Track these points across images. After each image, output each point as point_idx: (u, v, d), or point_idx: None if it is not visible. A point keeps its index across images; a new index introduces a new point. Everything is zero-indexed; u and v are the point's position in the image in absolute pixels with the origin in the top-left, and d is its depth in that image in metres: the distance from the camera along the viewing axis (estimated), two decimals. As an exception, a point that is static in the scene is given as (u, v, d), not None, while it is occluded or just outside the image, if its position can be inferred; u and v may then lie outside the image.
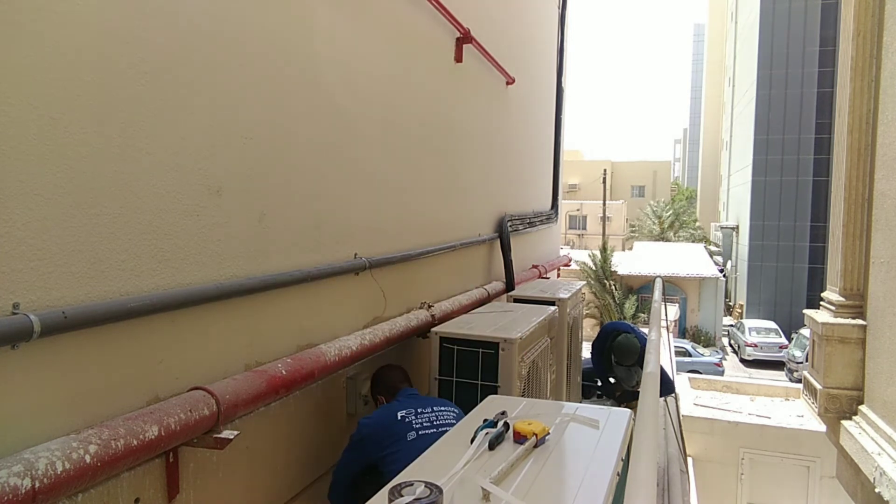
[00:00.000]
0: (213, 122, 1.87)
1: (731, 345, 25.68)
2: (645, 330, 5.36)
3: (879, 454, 3.15)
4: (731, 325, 27.23)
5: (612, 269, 23.27)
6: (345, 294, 2.69)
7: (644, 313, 19.56)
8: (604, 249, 23.61)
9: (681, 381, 8.64)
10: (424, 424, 2.25)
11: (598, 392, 5.68)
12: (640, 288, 23.08)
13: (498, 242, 4.95)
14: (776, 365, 22.16)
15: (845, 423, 3.65)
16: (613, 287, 22.90)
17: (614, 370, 5.35)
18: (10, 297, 1.29)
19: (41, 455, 1.25)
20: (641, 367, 5.22)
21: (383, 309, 3.02)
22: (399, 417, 2.24)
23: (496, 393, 2.59)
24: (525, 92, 5.78)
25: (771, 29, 30.15)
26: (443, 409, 2.36)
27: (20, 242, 1.31)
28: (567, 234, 38.92)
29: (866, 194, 3.72)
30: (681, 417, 6.47)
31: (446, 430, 2.19)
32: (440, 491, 1.20)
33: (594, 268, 22.84)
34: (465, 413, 2.24)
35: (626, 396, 5.25)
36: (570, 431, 1.69)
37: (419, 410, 2.29)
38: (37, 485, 1.21)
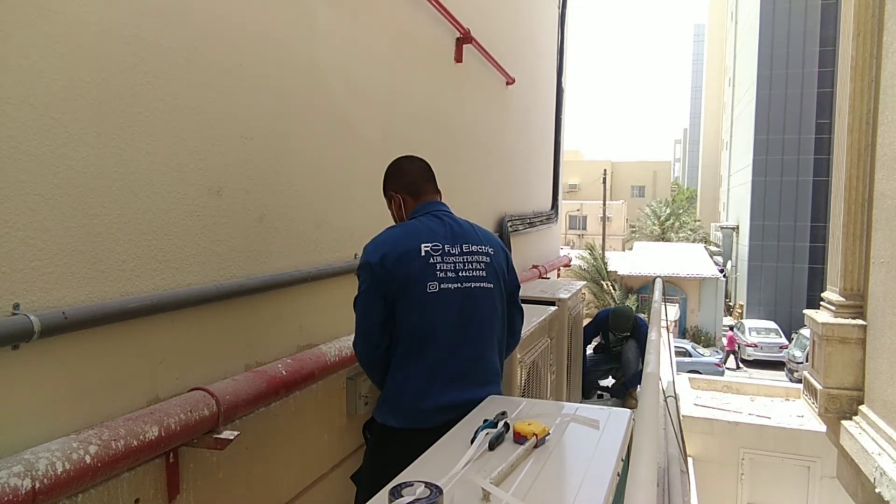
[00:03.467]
0: (213, 122, 1.87)
1: (731, 345, 25.68)
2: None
3: (880, 454, 3.15)
4: (732, 326, 27.24)
5: (610, 269, 23.24)
6: (345, 294, 2.67)
7: (644, 313, 19.54)
8: (591, 248, 23.55)
9: (681, 381, 8.64)
10: (449, 274, 1.92)
11: (599, 393, 5.70)
12: (640, 288, 23.07)
13: (498, 242, 4.95)
14: (776, 365, 22.17)
15: (845, 423, 3.65)
16: (612, 287, 22.89)
17: (609, 343, 5.50)
18: (10, 298, 1.29)
19: (41, 455, 1.25)
20: (635, 339, 5.46)
21: (383, 309, 3.01)
22: (423, 252, 1.90)
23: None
24: (525, 92, 5.78)
25: (771, 29, 30.16)
26: (474, 248, 2.01)
27: (20, 242, 1.31)
28: (567, 234, 38.91)
29: (866, 194, 3.72)
30: (681, 417, 6.47)
31: (471, 287, 1.95)
32: (440, 491, 1.20)
33: (587, 268, 22.81)
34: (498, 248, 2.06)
35: (632, 382, 5.39)
36: (571, 432, 1.69)
37: (447, 249, 1.95)
38: (37, 485, 1.21)
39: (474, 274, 1.99)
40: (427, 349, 1.90)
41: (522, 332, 2.85)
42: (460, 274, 1.95)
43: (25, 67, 1.31)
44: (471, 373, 1.95)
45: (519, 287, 2.21)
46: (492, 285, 2.03)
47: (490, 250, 2.06)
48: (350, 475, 2.25)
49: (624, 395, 5.57)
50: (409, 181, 2.16)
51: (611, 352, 5.70)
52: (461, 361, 1.93)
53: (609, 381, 5.86)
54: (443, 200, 2.21)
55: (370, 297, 1.92)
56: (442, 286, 1.91)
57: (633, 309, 5.71)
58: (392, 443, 1.92)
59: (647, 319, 5.36)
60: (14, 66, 1.29)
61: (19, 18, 1.30)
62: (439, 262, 1.93)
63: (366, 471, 2.06)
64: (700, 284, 24.35)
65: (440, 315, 1.91)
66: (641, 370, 5.30)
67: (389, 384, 1.96)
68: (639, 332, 5.54)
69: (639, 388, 5.01)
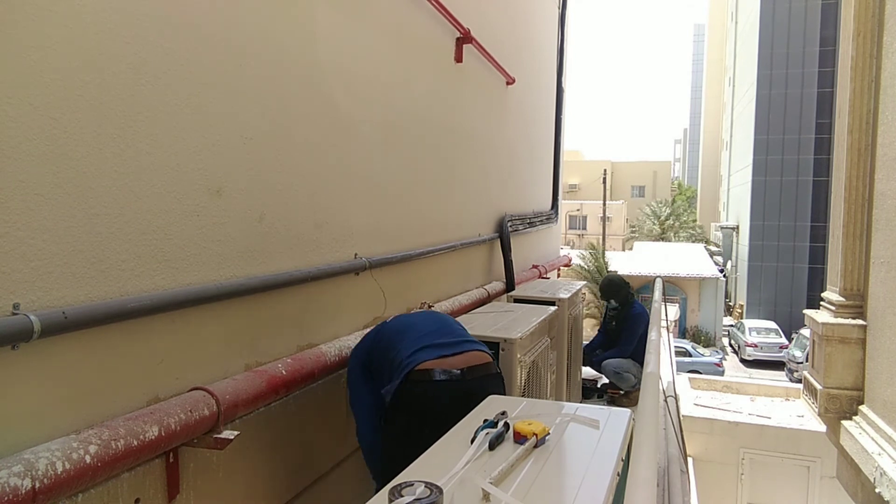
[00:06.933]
0: (213, 122, 1.87)
1: (731, 345, 25.67)
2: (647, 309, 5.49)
3: (880, 454, 3.15)
4: (731, 325, 27.21)
5: (610, 269, 23.19)
6: (345, 294, 2.69)
7: (644, 313, 19.48)
8: (593, 248, 23.51)
9: (681, 381, 8.63)
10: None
11: (598, 393, 5.70)
12: (640, 288, 23.01)
13: (498, 242, 4.95)
14: (776, 365, 22.15)
15: (845, 423, 3.65)
16: (613, 287, 22.78)
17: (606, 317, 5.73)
18: (10, 298, 1.29)
19: (41, 455, 1.25)
20: (618, 315, 5.44)
21: (383, 309, 3.02)
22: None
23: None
24: (525, 92, 5.78)
25: (771, 29, 30.15)
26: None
27: (20, 242, 1.31)
28: (567, 234, 38.87)
29: (866, 194, 3.71)
30: (681, 417, 6.47)
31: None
32: (440, 491, 1.20)
33: (586, 268, 22.76)
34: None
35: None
36: (571, 431, 1.69)
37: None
38: (37, 485, 1.21)
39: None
40: None
41: (523, 331, 2.86)
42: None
43: (25, 67, 1.31)
44: None
45: None
46: None
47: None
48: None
49: (592, 396, 5.59)
50: None
51: (607, 326, 5.76)
52: None
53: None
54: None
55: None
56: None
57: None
58: None
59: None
60: (14, 66, 1.29)
61: (19, 18, 1.30)
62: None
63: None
64: (700, 284, 24.32)
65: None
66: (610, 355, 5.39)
67: None
68: (628, 313, 5.50)
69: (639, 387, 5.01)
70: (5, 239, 1.28)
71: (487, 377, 2.11)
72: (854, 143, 3.80)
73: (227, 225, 1.94)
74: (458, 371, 2.02)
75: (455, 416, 1.92)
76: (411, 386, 1.99)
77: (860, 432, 3.48)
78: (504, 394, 2.16)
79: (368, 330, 2.39)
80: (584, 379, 5.51)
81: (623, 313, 5.53)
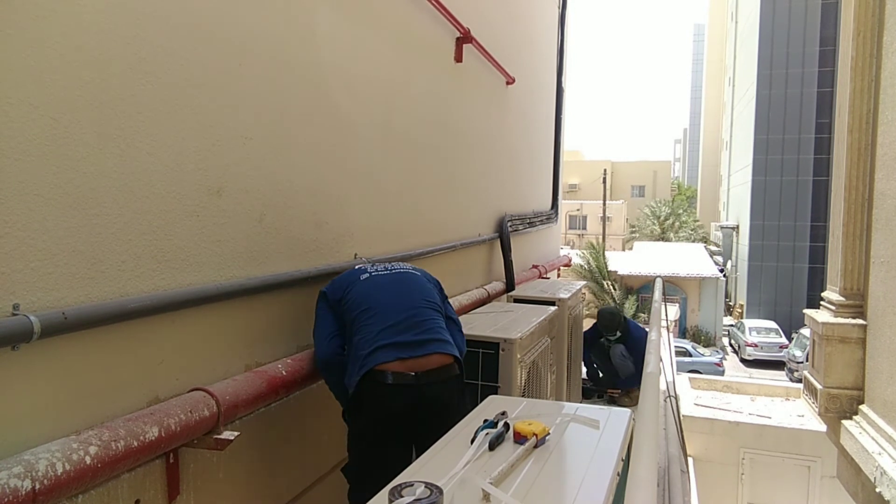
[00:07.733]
0: (213, 122, 1.87)
1: (731, 345, 25.66)
2: (645, 328, 5.43)
3: (880, 454, 3.15)
4: (732, 325, 27.21)
5: (610, 269, 23.19)
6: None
7: (644, 313, 19.52)
8: (593, 247, 23.49)
9: (681, 381, 8.63)
10: (378, 269, 2.35)
11: (599, 393, 5.70)
12: (640, 288, 23.03)
13: (498, 242, 4.95)
14: (776, 365, 22.15)
15: (846, 422, 3.65)
16: (613, 287, 22.85)
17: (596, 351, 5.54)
18: (10, 298, 1.29)
19: (41, 456, 1.25)
20: (620, 342, 5.36)
21: (383, 309, 3.01)
22: (356, 268, 2.36)
23: (496, 393, 2.59)
24: (525, 92, 5.78)
25: (771, 29, 30.15)
26: (401, 263, 2.49)
27: (20, 243, 1.31)
28: (567, 234, 38.86)
29: (866, 194, 3.71)
30: (681, 417, 6.47)
31: (400, 271, 2.38)
32: (440, 491, 1.20)
33: (587, 268, 22.75)
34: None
35: (623, 384, 5.31)
36: (571, 432, 1.69)
37: (377, 264, 2.43)
38: (37, 486, 1.21)
39: (403, 268, 2.45)
40: None
41: (523, 332, 2.85)
42: (389, 268, 2.43)
43: (25, 67, 1.31)
44: None
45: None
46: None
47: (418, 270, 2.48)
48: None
49: (592, 396, 5.57)
50: None
51: (604, 355, 5.64)
52: None
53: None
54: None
55: (320, 311, 2.33)
56: (372, 274, 2.34)
57: (633, 308, 5.57)
58: None
59: (646, 320, 5.33)
60: (14, 66, 1.29)
61: (19, 19, 1.30)
62: (369, 267, 2.43)
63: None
64: (700, 284, 24.32)
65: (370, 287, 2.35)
66: (632, 373, 5.32)
67: None
68: (629, 336, 5.46)
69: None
70: (5, 239, 1.28)
71: (443, 382, 2.04)
72: (854, 143, 3.79)
73: (227, 225, 1.94)
74: (412, 374, 1.97)
75: (407, 420, 1.93)
76: (366, 386, 1.98)
77: (860, 432, 3.48)
78: (462, 398, 2.12)
79: (339, 275, 2.35)
80: (584, 379, 5.51)
81: (629, 338, 5.41)
